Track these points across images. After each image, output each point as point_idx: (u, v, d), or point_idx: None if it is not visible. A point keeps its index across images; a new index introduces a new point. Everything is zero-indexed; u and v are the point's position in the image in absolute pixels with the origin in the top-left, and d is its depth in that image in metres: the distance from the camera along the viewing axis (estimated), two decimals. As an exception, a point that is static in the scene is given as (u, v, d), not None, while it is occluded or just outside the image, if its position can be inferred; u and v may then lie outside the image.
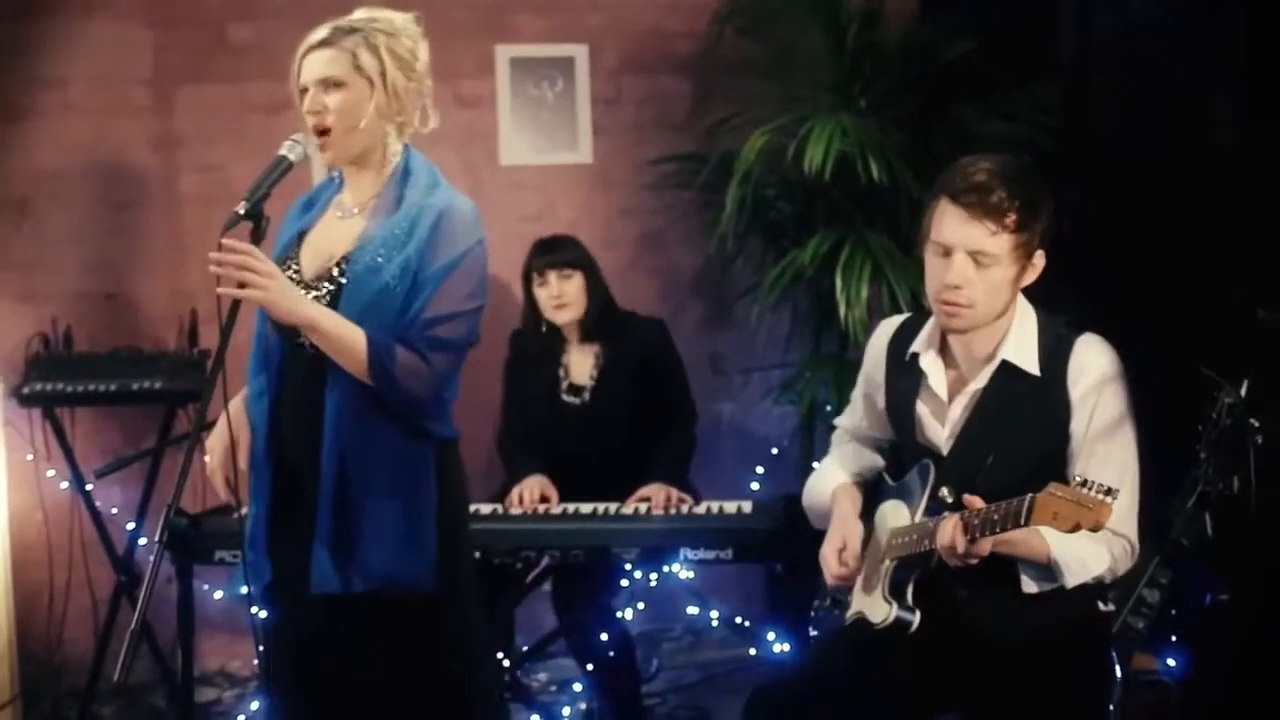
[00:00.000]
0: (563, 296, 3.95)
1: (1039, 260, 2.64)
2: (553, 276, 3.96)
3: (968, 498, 2.53)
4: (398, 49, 2.74)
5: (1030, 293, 2.70)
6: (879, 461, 2.96)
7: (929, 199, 2.67)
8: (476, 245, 2.72)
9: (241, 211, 2.56)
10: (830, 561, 2.79)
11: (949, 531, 2.50)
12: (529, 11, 4.74)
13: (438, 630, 2.76)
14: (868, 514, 2.87)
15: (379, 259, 2.68)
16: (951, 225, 2.59)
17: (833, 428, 3.10)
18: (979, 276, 2.58)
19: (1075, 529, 2.30)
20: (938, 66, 4.33)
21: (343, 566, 2.68)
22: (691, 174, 4.56)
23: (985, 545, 2.48)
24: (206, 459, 2.78)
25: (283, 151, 2.69)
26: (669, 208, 4.76)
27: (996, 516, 2.44)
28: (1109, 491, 2.27)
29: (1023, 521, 2.37)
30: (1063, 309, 2.73)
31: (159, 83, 4.64)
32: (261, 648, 2.83)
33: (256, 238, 2.60)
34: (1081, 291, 2.94)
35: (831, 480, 2.94)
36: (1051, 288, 2.76)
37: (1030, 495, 2.35)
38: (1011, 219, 2.56)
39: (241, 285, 2.55)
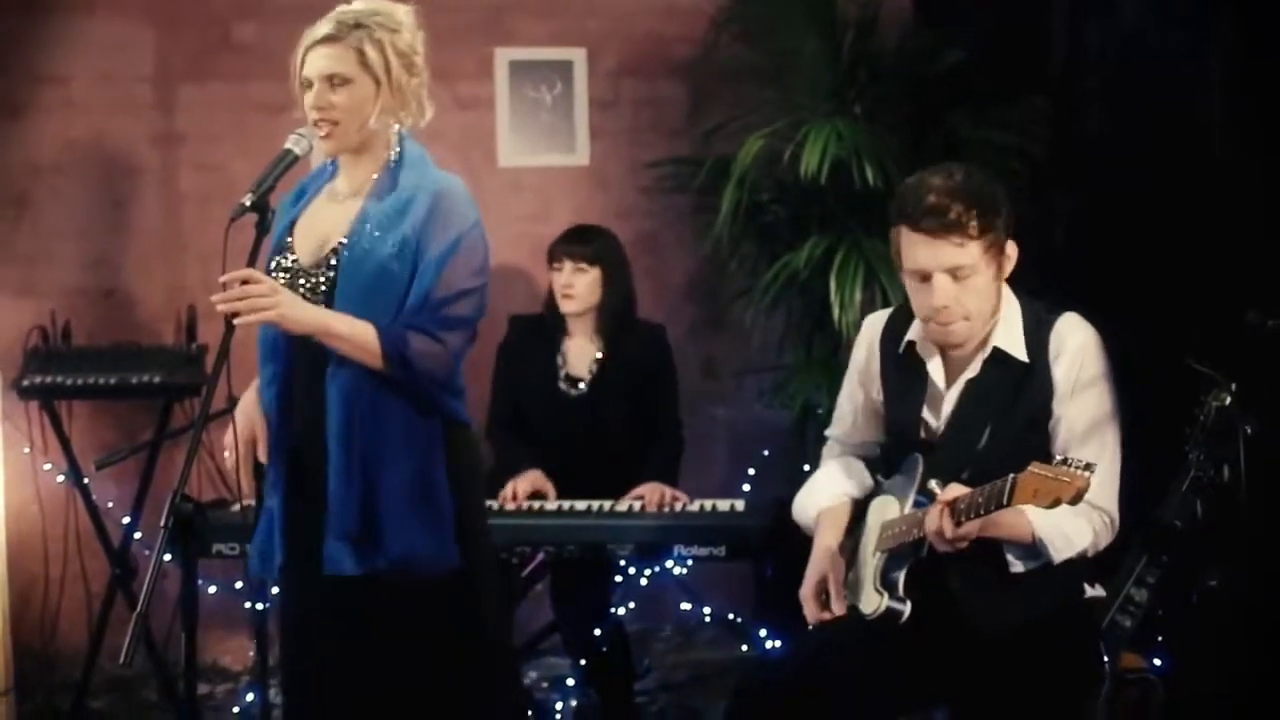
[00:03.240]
0: (571, 288, 3.93)
1: (1011, 250, 2.71)
2: (568, 265, 3.94)
3: (951, 485, 2.57)
4: (400, 45, 2.78)
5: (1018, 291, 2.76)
6: (867, 479, 2.96)
7: (891, 225, 2.72)
8: (475, 224, 2.78)
9: (247, 203, 2.62)
10: (810, 605, 2.80)
11: (936, 517, 2.55)
12: (528, 15, 4.78)
13: (461, 608, 2.78)
14: (855, 525, 2.89)
15: (374, 238, 2.72)
16: (921, 251, 2.64)
17: (824, 439, 3.11)
18: (962, 289, 2.64)
19: (1055, 504, 2.34)
20: (932, 74, 4.37)
21: (358, 547, 2.71)
22: (687, 177, 4.59)
23: (972, 528, 2.53)
24: (226, 454, 2.80)
25: (288, 145, 2.74)
26: (664, 210, 4.79)
27: (981, 499, 2.49)
28: (1088, 466, 2.32)
29: (1005, 501, 2.42)
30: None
31: (161, 81, 4.67)
32: (256, 639, 2.84)
33: (261, 229, 2.66)
34: (1071, 296, 2.98)
35: (819, 499, 2.95)
36: (1042, 291, 2.82)
37: (1012, 476, 2.41)
38: (974, 226, 2.62)
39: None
